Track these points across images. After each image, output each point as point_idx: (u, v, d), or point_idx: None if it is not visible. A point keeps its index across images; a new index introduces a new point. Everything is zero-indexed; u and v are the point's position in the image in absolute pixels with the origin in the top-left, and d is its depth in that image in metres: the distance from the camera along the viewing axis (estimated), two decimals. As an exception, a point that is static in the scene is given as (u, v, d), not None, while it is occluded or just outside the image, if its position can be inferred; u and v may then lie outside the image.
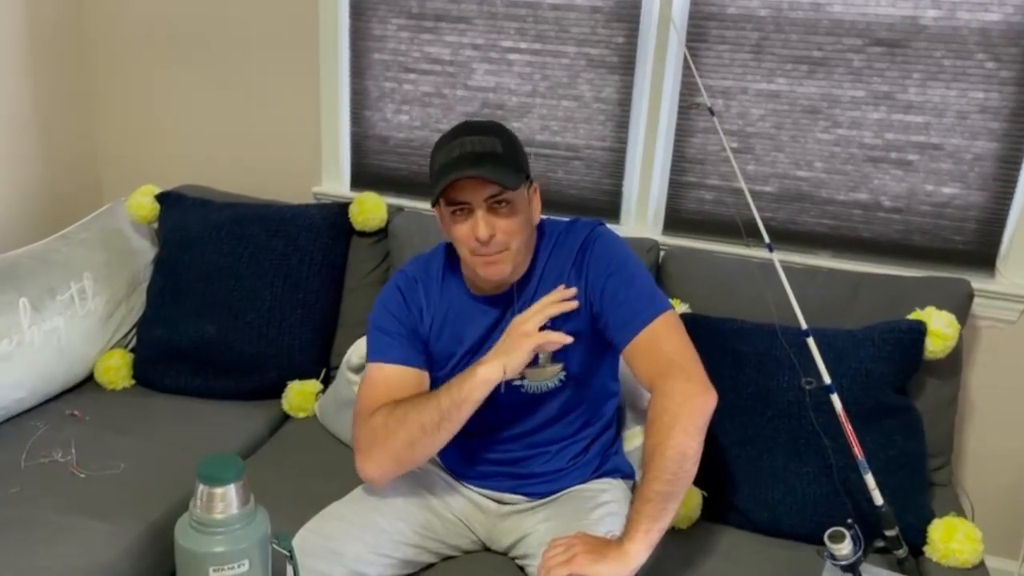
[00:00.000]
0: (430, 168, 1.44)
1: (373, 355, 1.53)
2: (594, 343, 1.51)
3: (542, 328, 1.47)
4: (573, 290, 1.43)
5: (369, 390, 1.50)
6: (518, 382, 1.51)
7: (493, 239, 1.39)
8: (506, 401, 1.52)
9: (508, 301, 1.51)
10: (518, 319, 1.41)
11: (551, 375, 1.51)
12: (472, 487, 1.61)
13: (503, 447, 1.57)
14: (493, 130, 1.43)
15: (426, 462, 1.64)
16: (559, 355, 1.49)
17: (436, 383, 1.54)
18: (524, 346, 1.39)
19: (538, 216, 1.52)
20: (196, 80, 2.51)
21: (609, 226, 2.19)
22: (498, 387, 1.51)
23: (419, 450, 1.44)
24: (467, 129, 1.43)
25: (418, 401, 1.43)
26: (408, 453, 1.44)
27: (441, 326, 1.54)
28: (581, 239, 1.51)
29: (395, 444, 1.42)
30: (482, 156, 1.38)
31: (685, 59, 2.08)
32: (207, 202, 2.24)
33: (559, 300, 1.41)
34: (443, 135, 1.45)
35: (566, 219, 1.56)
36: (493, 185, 1.37)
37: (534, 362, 1.49)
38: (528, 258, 1.51)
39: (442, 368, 1.54)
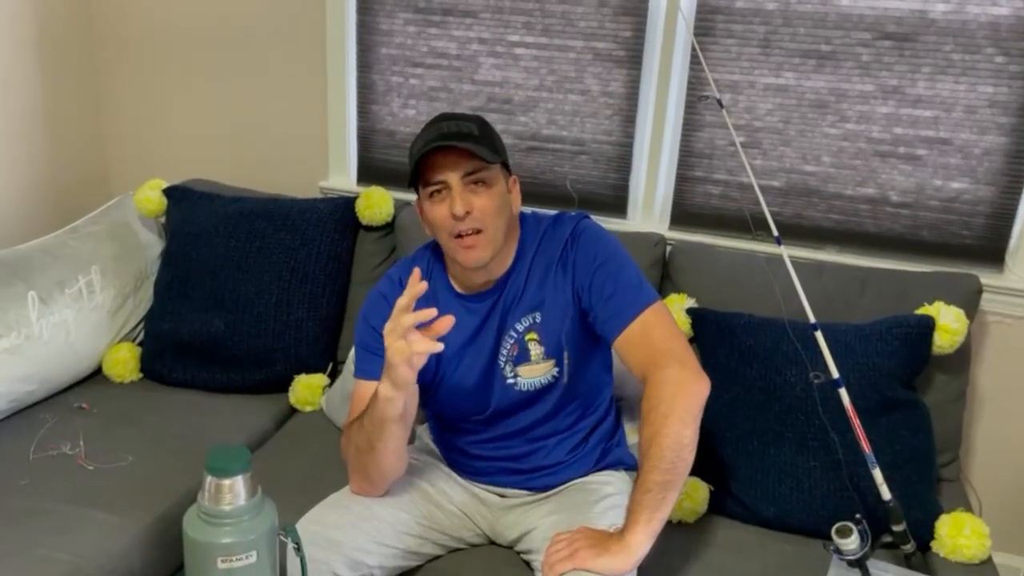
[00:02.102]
0: (410, 158, 1.45)
1: (356, 371, 1.54)
2: (585, 337, 1.51)
3: (525, 328, 1.48)
4: (420, 283, 1.28)
5: (351, 406, 1.51)
6: (512, 380, 1.51)
7: (469, 216, 1.39)
8: (502, 400, 1.52)
9: (495, 299, 1.50)
10: (386, 329, 1.29)
11: (544, 371, 1.50)
12: (474, 483, 1.62)
13: (502, 443, 1.57)
14: (470, 117, 1.46)
15: (427, 456, 1.66)
16: (551, 351, 1.49)
17: (427, 390, 1.53)
18: (395, 361, 1.28)
19: (518, 208, 1.52)
20: (203, 74, 2.51)
21: (616, 221, 2.24)
22: (492, 386, 1.51)
23: (371, 468, 1.45)
24: (445, 117, 1.46)
25: (356, 424, 1.44)
26: (365, 470, 1.46)
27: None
28: (567, 233, 1.50)
29: (351, 462, 1.48)
30: (458, 135, 1.40)
31: (693, 53, 2.07)
32: (214, 196, 2.24)
33: (408, 296, 1.27)
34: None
35: (551, 213, 1.56)
36: (469, 162, 1.39)
37: (527, 359, 1.49)
38: (511, 252, 1.51)
39: (430, 369, 1.51)
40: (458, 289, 1.53)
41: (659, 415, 1.31)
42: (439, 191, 1.41)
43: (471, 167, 1.40)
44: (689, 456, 1.31)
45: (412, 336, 1.27)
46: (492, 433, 1.56)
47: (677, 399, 1.31)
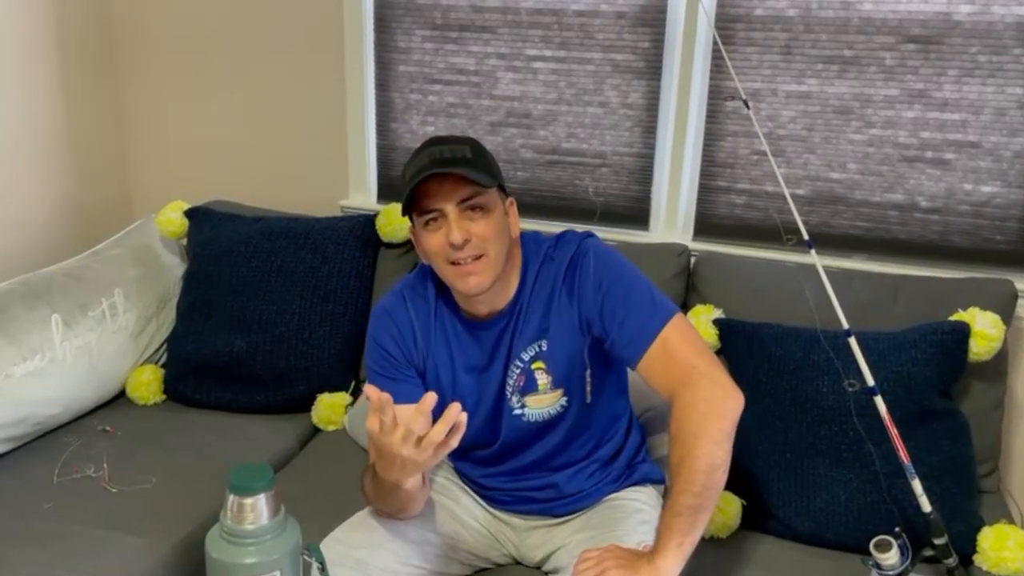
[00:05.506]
0: (402, 186, 1.39)
1: None
2: (595, 365, 1.45)
3: (531, 357, 1.43)
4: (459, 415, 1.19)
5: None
6: (519, 411, 1.47)
7: (468, 243, 1.34)
8: (510, 431, 1.48)
9: (503, 326, 1.45)
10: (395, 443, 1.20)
11: (552, 402, 1.46)
12: (498, 511, 1.58)
13: (517, 477, 1.53)
14: (462, 140, 1.40)
15: (450, 475, 1.63)
16: (559, 381, 1.45)
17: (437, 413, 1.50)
18: (420, 459, 1.21)
19: (517, 232, 1.46)
20: (223, 96, 2.53)
21: (638, 233, 2.21)
22: (501, 418, 1.47)
23: (403, 502, 1.40)
24: (436, 141, 1.40)
25: (372, 479, 1.38)
26: (392, 507, 1.43)
27: (437, 348, 1.47)
28: (570, 255, 1.44)
29: (383, 510, 1.45)
30: (451, 160, 1.34)
31: (713, 58, 2.05)
32: (235, 217, 2.25)
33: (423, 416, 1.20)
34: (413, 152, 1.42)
35: (554, 233, 1.50)
36: (465, 188, 1.33)
37: (534, 389, 1.45)
38: (515, 279, 1.45)
39: (442, 393, 1.46)
40: (466, 316, 1.48)
41: (689, 436, 1.26)
42: (435, 219, 1.36)
43: (467, 193, 1.34)
44: (721, 477, 1.27)
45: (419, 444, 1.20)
46: (506, 467, 1.53)
47: (708, 419, 1.27)
